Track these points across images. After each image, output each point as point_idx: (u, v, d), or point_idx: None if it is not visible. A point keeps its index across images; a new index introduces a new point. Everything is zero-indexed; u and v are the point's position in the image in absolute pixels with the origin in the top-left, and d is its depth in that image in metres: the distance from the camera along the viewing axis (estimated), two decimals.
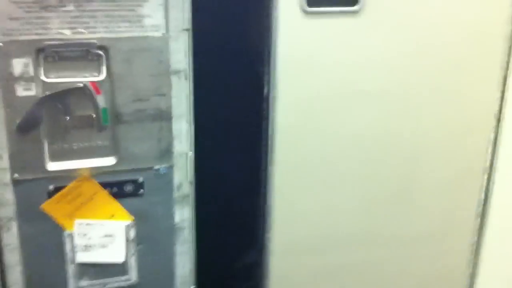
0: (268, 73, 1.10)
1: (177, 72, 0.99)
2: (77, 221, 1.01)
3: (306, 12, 1.05)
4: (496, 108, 1.26)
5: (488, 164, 1.30)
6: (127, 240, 1.04)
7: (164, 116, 1.00)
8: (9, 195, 0.97)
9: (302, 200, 1.19)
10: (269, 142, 1.13)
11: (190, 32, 0.97)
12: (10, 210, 0.98)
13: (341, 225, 1.24)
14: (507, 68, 1.22)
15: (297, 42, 1.07)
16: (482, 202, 1.33)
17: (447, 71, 1.18)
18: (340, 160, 1.19)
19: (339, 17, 1.08)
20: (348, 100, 1.14)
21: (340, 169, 1.19)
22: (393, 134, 1.20)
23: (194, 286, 1.13)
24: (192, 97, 1.01)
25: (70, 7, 0.91)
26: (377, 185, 1.23)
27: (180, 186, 1.05)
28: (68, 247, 1.02)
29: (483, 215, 1.35)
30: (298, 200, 1.19)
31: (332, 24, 1.08)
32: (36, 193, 0.98)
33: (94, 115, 0.96)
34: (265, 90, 1.12)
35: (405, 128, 1.20)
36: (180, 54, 0.98)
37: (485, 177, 1.31)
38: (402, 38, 1.13)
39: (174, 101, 1.00)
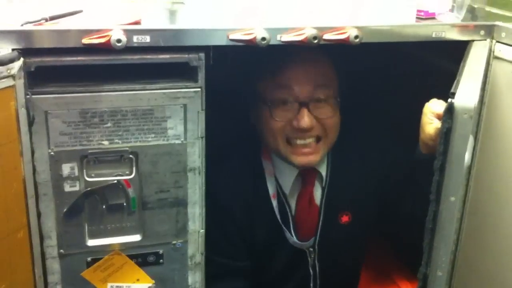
0: None
1: (192, 169, 1.21)
2: (110, 285, 1.25)
3: None
4: None
5: None
6: None
7: (181, 203, 1.23)
8: (56, 265, 1.21)
9: None
10: None
11: (204, 139, 1.20)
12: (57, 277, 1.21)
13: None
14: None
15: None
16: None
17: None
18: None
19: None
20: None
21: None
22: None
23: None
24: (203, 188, 1.24)
25: (109, 124, 1.13)
26: None
27: (193, 257, 1.28)
28: None
29: None
30: None
31: None
32: (77, 264, 1.22)
33: (125, 203, 1.20)
34: None
35: None
36: (195, 156, 1.20)
37: None
38: None
39: (189, 191, 1.23)
